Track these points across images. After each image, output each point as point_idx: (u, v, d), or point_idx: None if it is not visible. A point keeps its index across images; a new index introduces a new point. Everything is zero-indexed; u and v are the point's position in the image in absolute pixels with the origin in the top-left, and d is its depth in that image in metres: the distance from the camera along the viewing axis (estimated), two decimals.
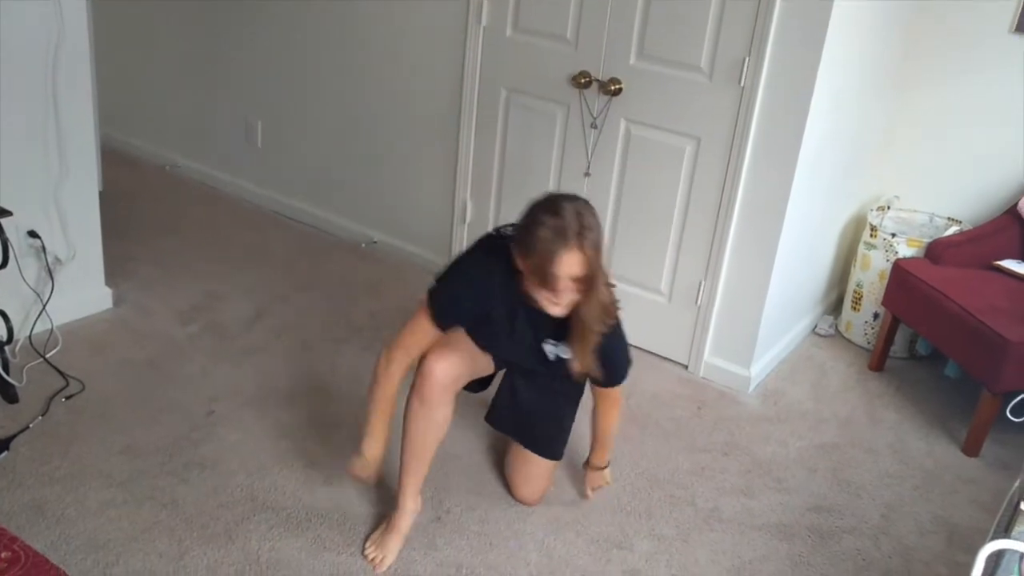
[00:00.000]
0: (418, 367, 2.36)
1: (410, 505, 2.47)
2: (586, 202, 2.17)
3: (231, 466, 2.71)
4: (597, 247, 2.12)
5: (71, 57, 3.06)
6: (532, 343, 2.39)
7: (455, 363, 2.38)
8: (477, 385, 2.67)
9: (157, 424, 2.86)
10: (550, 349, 2.38)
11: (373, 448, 2.43)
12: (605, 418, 2.59)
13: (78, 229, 3.27)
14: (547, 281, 2.11)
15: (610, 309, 2.28)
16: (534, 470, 2.66)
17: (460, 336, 2.43)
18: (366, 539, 2.48)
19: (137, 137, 4.91)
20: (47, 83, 3.02)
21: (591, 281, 2.14)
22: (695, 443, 3.07)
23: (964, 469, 3.09)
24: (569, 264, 2.08)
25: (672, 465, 2.94)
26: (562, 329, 2.32)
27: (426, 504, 2.64)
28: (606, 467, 2.70)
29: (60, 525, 2.42)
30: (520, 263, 2.17)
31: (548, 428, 2.65)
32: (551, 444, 2.65)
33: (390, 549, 2.43)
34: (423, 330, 2.34)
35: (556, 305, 2.19)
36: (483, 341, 2.45)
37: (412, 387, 2.37)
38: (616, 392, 2.52)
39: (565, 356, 2.37)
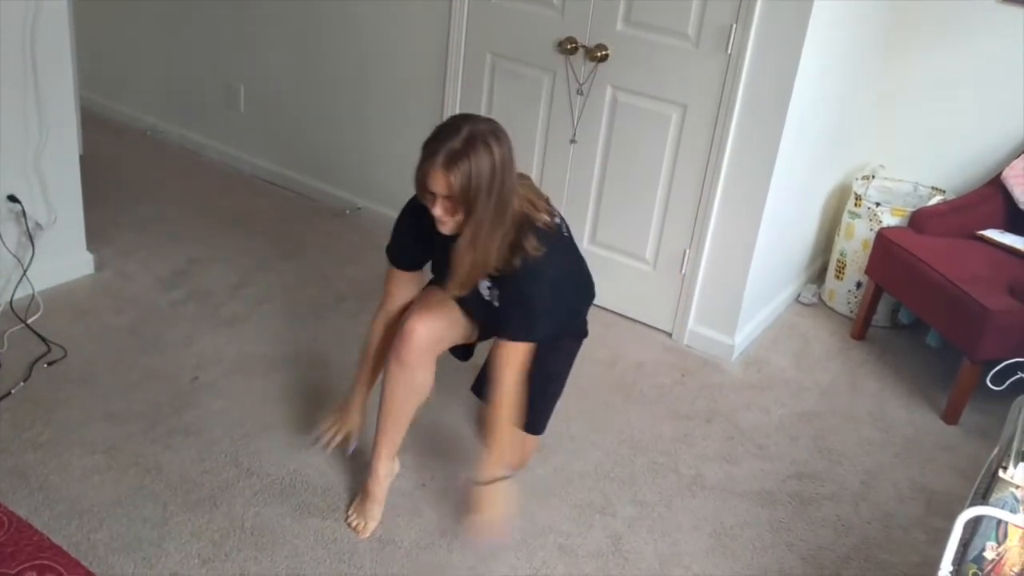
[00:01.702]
0: (398, 329, 2.35)
1: (382, 470, 2.45)
2: (493, 131, 2.14)
3: (215, 432, 2.71)
4: (470, 176, 2.08)
5: (50, 19, 3.01)
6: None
7: (435, 325, 2.36)
8: (462, 352, 2.65)
9: (140, 390, 2.85)
10: (484, 289, 2.33)
11: (350, 403, 2.45)
12: (496, 387, 2.30)
13: (59, 194, 3.23)
14: (422, 195, 2.17)
15: (513, 247, 2.20)
16: (517, 441, 2.65)
17: (442, 299, 2.41)
18: (348, 506, 2.49)
19: (118, 101, 4.85)
20: (26, 46, 2.97)
21: (464, 206, 2.12)
22: (678, 410, 3.08)
23: (943, 437, 3.12)
24: (435, 181, 2.10)
25: (655, 432, 2.96)
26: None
27: (410, 471, 2.65)
28: (494, 481, 2.32)
29: (43, 491, 2.42)
30: None
31: (534, 402, 2.58)
32: (535, 418, 2.61)
33: (371, 516, 2.44)
34: (391, 277, 2.47)
35: (442, 223, 2.19)
36: (438, 278, 2.44)
37: (391, 349, 2.36)
38: (509, 349, 2.27)
39: (494, 300, 2.33)
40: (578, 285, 2.54)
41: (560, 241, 2.34)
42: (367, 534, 2.41)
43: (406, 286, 2.48)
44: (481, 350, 2.62)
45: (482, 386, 2.64)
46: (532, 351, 2.32)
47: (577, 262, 2.53)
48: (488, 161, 2.11)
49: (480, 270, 2.25)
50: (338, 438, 2.54)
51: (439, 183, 2.11)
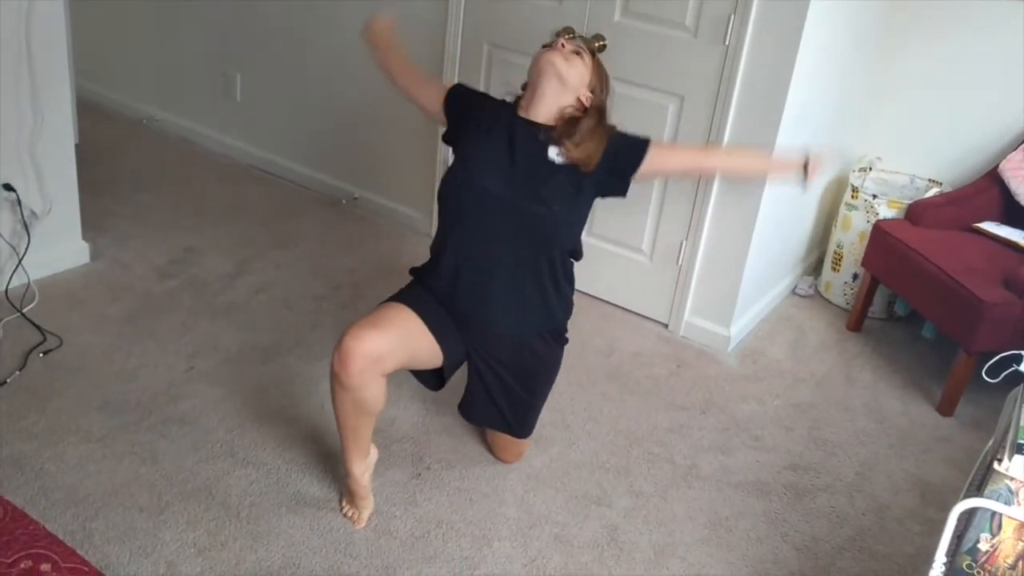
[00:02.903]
0: (335, 348, 2.20)
1: (356, 471, 2.38)
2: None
3: (211, 422, 2.71)
4: (603, 77, 2.41)
5: (45, 7, 2.99)
6: (531, 160, 2.36)
7: (375, 343, 2.20)
8: (433, 381, 2.55)
9: (136, 380, 2.84)
10: (555, 153, 2.35)
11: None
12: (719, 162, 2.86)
13: (54, 183, 3.22)
14: (551, 43, 2.38)
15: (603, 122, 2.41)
16: (510, 443, 2.67)
17: (395, 315, 2.33)
18: (342, 497, 2.48)
19: (114, 90, 4.83)
20: (21, 34, 2.96)
21: (585, 56, 2.37)
22: (674, 401, 3.09)
23: (938, 428, 3.13)
24: (582, 41, 2.44)
25: (651, 423, 2.96)
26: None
27: (405, 461, 2.65)
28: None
29: (39, 480, 2.41)
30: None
31: (522, 411, 2.59)
32: (525, 425, 2.62)
33: (362, 507, 2.43)
34: (431, 82, 2.62)
35: (557, 53, 2.33)
36: (475, 161, 2.40)
37: (332, 368, 2.21)
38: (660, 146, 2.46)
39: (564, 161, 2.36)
40: None
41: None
42: (363, 523, 2.42)
43: (426, 90, 2.57)
44: (458, 382, 2.58)
45: (469, 410, 2.61)
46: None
47: None
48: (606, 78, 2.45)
49: (560, 115, 2.36)
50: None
51: (584, 48, 2.38)
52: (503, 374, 2.50)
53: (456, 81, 2.58)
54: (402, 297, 2.42)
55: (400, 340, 2.29)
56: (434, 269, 2.45)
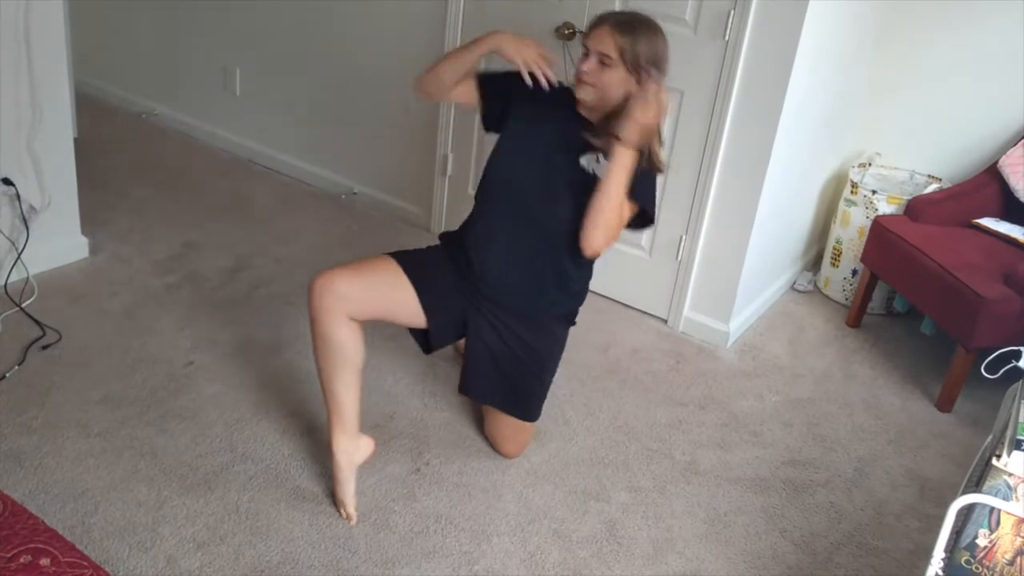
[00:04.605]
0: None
1: (335, 448, 2.37)
2: (658, 29, 2.36)
3: (210, 417, 2.71)
4: (637, 46, 2.29)
5: (44, 2, 2.98)
6: (559, 154, 2.41)
7: (344, 283, 2.29)
8: (424, 343, 2.58)
9: (135, 374, 2.84)
10: (587, 161, 2.39)
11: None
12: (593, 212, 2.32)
13: (53, 177, 3.22)
14: (583, 47, 2.36)
15: (652, 138, 2.33)
16: (513, 430, 2.66)
17: (377, 265, 2.42)
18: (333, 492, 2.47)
19: (113, 84, 4.82)
20: (19, 28, 2.95)
21: (619, 66, 2.30)
22: (673, 397, 3.09)
23: (937, 424, 3.13)
24: (599, 37, 2.31)
25: (650, 418, 2.96)
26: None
27: (405, 457, 2.65)
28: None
29: (38, 474, 2.42)
30: None
31: (529, 387, 2.60)
32: (531, 405, 2.61)
33: (342, 501, 2.40)
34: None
35: (583, 82, 2.33)
36: (507, 142, 2.48)
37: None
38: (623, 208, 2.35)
39: (598, 172, 2.36)
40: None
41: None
42: (354, 520, 2.40)
43: (462, 87, 2.51)
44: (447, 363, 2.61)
45: (471, 384, 2.62)
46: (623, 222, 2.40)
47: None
48: (654, 43, 2.33)
49: (600, 113, 2.37)
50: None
51: (603, 39, 2.30)
52: (514, 345, 2.53)
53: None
54: (399, 253, 2.50)
55: (372, 287, 2.37)
56: (463, 237, 2.54)
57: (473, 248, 2.50)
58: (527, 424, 2.65)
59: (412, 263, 2.46)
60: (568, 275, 2.52)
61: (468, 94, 2.54)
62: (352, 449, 2.41)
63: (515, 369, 2.56)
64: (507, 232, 2.48)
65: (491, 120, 2.57)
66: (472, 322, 2.52)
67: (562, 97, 2.45)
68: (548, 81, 2.43)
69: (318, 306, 2.28)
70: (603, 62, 2.32)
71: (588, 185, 2.35)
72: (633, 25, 2.33)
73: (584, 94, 2.37)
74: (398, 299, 2.42)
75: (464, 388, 2.63)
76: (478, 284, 2.50)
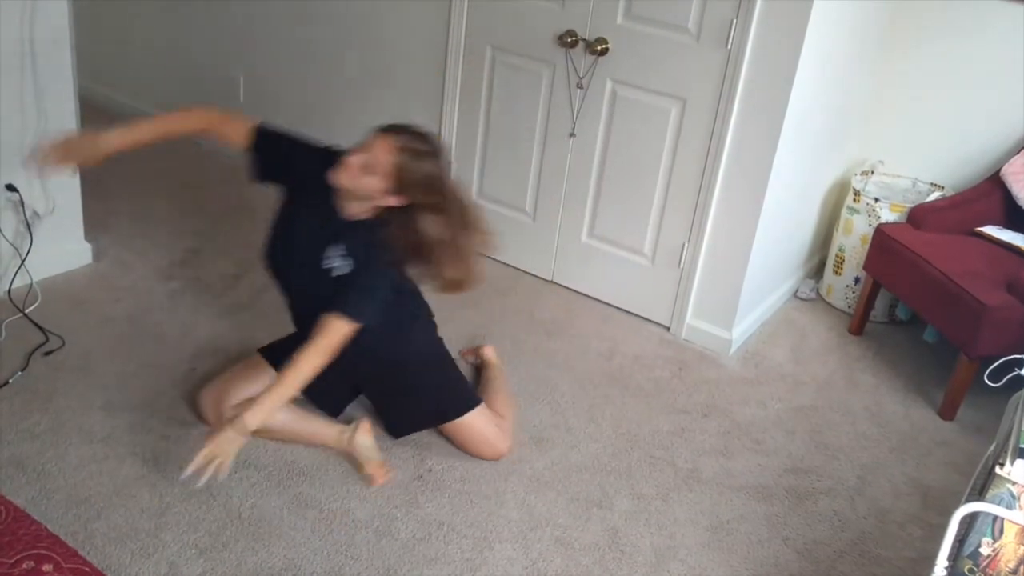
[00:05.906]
0: None
1: (331, 440, 2.62)
2: (440, 152, 2.38)
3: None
4: (403, 170, 2.30)
5: (50, 7, 3.00)
6: (316, 239, 2.45)
7: (215, 385, 2.64)
8: (331, 406, 2.74)
9: (138, 380, 2.85)
10: (332, 255, 2.42)
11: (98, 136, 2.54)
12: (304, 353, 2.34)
13: (57, 183, 3.22)
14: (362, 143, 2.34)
15: (405, 244, 2.36)
16: (461, 438, 2.70)
17: (251, 369, 2.64)
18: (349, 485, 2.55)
19: (117, 90, 4.83)
20: (25, 34, 2.96)
21: (385, 181, 2.30)
22: (675, 404, 3.09)
23: (940, 432, 3.13)
24: (377, 147, 2.30)
25: (652, 426, 2.96)
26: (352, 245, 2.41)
27: (407, 463, 2.65)
28: (244, 424, 2.28)
29: (41, 480, 2.42)
30: None
31: (432, 400, 2.69)
32: (444, 407, 2.68)
33: (367, 466, 2.57)
34: (240, 119, 2.60)
35: (347, 168, 2.32)
36: (279, 220, 2.56)
37: None
38: (328, 321, 2.33)
39: (339, 271, 2.41)
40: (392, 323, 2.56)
41: (403, 284, 2.55)
42: (380, 479, 2.54)
43: (233, 127, 2.62)
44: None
45: (395, 427, 2.75)
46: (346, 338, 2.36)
47: (402, 310, 2.61)
48: (429, 166, 2.34)
49: (356, 203, 2.39)
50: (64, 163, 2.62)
51: (379, 150, 2.29)
52: (389, 385, 2.68)
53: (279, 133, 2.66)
54: (266, 348, 2.74)
55: (239, 374, 2.64)
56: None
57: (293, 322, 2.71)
58: (466, 421, 2.66)
59: (279, 354, 2.58)
60: (362, 334, 2.42)
61: (237, 135, 2.60)
62: (341, 430, 2.60)
63: (410, 396, 2.69)
64: (298, 308, 2.67)
65: (258, 173, 2.63)
66: (351, 380, 2.72)
67: (324, 177, 2.40)
68: (317, 149, 2.52)
69: (211, 415, 2.59)
70: (371, 170, 2.31)
71: (331, 277, 2.43)
72: (418, 153, 2.33)
73: (340, 180, 2.36)
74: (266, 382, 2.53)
75: (392, 433, 2.74)
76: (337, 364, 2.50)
